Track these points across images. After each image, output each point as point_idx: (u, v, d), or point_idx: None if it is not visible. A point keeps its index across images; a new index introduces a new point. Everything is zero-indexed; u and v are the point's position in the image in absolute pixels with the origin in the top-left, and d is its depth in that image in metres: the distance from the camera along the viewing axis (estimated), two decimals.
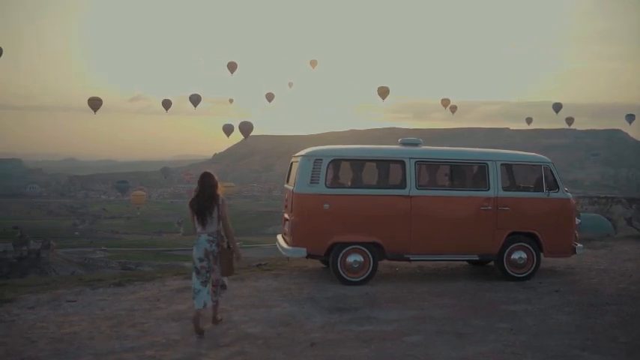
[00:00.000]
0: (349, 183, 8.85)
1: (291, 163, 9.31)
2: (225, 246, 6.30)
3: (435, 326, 6.50)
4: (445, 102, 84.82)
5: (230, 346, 5.76)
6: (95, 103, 66.26)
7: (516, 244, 8.84)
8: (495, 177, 8.79)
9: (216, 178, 6.34)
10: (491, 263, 9.21)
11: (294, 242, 8.52)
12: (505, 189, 8.89)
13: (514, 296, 7.94)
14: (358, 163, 8.87)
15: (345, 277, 8.45)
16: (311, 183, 8.45)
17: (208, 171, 6.48)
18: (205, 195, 6.24)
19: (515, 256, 8.83)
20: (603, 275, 9.26)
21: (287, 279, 8.87)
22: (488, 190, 8.77)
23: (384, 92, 68.92)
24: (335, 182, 8.69)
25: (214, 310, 6.45)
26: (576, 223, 9.26)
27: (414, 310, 7.17)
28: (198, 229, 6.23)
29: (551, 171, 9.00)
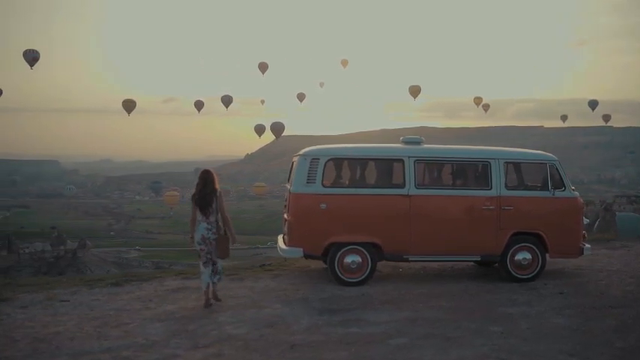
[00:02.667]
0: (347, 182, 8.71)
1: (292, 163, 9.22)
2: (222, 233, 7.25)
3: (424, 329, 6.34)
4: (477, 100, 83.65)
5: (208, 347, 5.70)
6: (129, 105, 67.26)
7: (520, 245, 8.58)
8: (498, 176, 8.54)
9: (214, 174, 7.28)
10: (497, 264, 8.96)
11: (290, 242, 8.44)
12: (508, 188, 8.63)
13: (514, 298, 7.70)
14: (356, 162, 8.73)
15: (342, 277, 8.32)
16: (307, 183, 8.34)
17: (208, 169, 7.46)
18: (207, 189, 7.17)
19: (520, 256, 8.57)
20: (613, 277, 8.92)
21: (286, 279, 8.78)
22: (491, 189, 8.53)
23: (415, 91, 68.33)
24: (332, 182, 8.56)
25: (212, 290, 7.29)
26: (584, 222, 8.94)
27: (406, 312, 7.01)
28: (199, 218, 7.17)
29: (557, 169, 8.71)
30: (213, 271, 7.22)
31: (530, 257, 8.58)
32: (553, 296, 7.76)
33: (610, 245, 12.27)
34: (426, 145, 8.94)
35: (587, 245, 8.92)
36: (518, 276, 8.57)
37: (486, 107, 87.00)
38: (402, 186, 8.42)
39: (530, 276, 8.58)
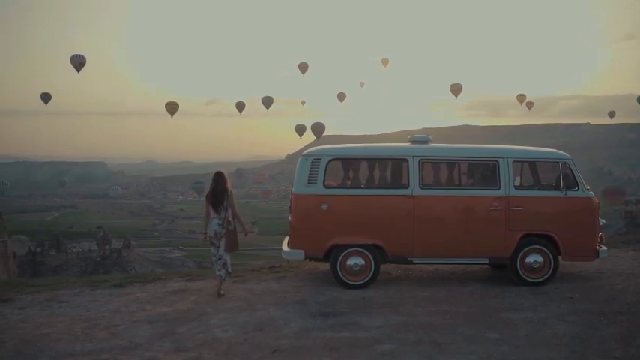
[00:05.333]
0: (349, 183, 8.55)
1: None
2: (231, 228, 7.94)
3: (416, 334, 6.13)
4: (521, 98, 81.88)
5: (190, 350, 5.65)
6: (172, 107, 68.40)
7: (531, 247, 8.26)
8: (506, 175, 8.24)
9: (226, 176, 8.07)
10: None
11: (292, 244, 8.34)
12: (518, 188, 8.33)
13: (520, 303, 7.40)
14: (358, 163, 8.56)
15: (345, 280, 8.18)
16: (309, 183, 8.23)
17: (220, 170, 8.18)
18: (218, 189, 7.93)
19: (531, 259, 8.24)
20: (631, 281, 8.48)
21: (289, 281, 8.68)
22: (499, 189, 8.24)
23: (456, 89, 67.41)
24: (334, 182, 8.42)
25: (217, 284, 7.92)
26: (600, 224, 8.54)
27: (403, 316, 6.81)
28: (212, 215, 7.91)
29: (569, 168, 8.35)
30: (220, 266, 7.88)
31: (542, 260, 8.25)
32: (561, 301, 7.43)
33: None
34: (432, 145, 8.70)
35: (604, 247, 8.51)
36: (529, 279, 8.25)
37: (530, 105, 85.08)
38: (406, 186, 8.21)
39: (541, 279, 8.25)
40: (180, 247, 78.28)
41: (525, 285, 8.19)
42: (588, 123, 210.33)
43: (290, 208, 8.77)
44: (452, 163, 8.63)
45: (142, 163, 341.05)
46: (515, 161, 8.36)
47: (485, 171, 8.50)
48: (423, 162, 8.28)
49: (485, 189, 8.36)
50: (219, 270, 7.92)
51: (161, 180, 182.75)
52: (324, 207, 8.15)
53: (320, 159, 8.28)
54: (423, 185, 8.22)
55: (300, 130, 73.78)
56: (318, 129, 71.41)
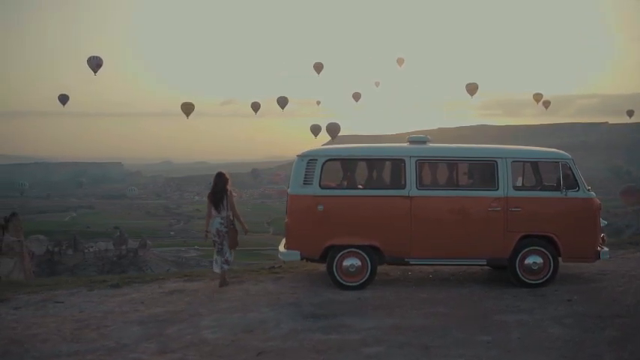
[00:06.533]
0: (345, 183, 8.48)
1: None
2: (232, 227, 8.38)
3: (406, 337, 6.05)
4: (537, 97, 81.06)
5: (175, 352, 5.63)
6: (188, 108, 68.73)
7: (530, 248, 8.12)
8: (505, 175, 8.12)
9: (227, 176, 8.49)
10: None
11: (288, 245, 8.29)
12: (516, 188, 8.20)
13: (517, 305, 7.28)
14: (355, 163, 8.49)
15: (341, 281, 8.11)
16: (304, 184, 8.18)
17: (221, 171, 8.60)
18: (217, 188, 8.38)
19: (530, 260, 8.11)
20: (633, 283, 8.31)
21: (286, 282, 8.63)
22: (497, 189, 8.12)
23: (472, 89, 66.94)
24: (330, 183, 8.36)
25: (222, 275, 8.41)
26: (601, 225, 8.38)
27: (396, 319, 6.72)
28: (214, 214, 8.38)
29: (570, 168, 8.21)
30: (224, 260, 8.33)
31: (542, 261, 8.12)
32: (559, 303, 7.29)
33: None
34: (430, 145, 8.60)
35: (605, 249, 8.35)
36: (529, 281, 8.12)
37: (547, 104, 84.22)
38: (403, 187, 8.12)
39: (541, 281, 8.11)
40: (196, 247, 78.52)
41: (525, 287, 8.06)
42: (607, 122, 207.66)
43: (286, 208, 8.74)
44: (450, 163, 8.52)
45: (159, 164, 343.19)
46: (514, 161, 8.24)
47: (483, 171, 8.39)
48: (420, 162, 8.19)
49: (484, 189, 8.25)
50: (220, 266, 8.34)
51: (177, 180, 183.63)
52: (320, 208, 8.09)
53: (316, 159, 8.22)
54: (420, 186, 8.13)
55: (315, 130, 73.77)
56: (333, 129, 71.33)
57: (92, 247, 69.73)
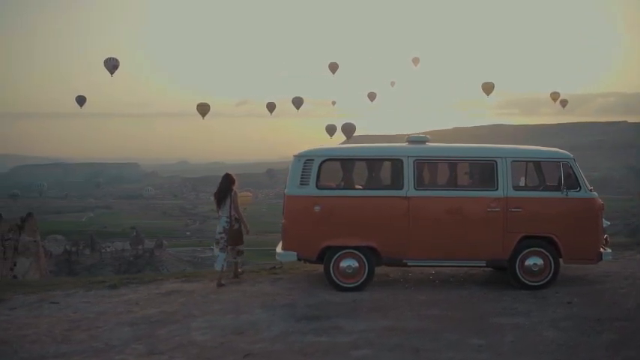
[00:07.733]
0: (342, 184, 8.40)
1: None
2: (235, 225, 8.68)
3: (397, 340, 5.95)
4: (554, 96, 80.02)
5: (163, 354, 5.59)
6: (203, 109, 68.93)
7: (531, 249, 7.98)
8: (505, 175, 7.99)
9: (233, 177, 8.82)
10: None
11: (284, 246, 8.23)
12: (516, 188, 8.07)
13: (515, 307, 7.15)
14: (352, 163, 8.41)
15: (338, 282, 8.04)
16: (301, 184, 8.12)
17: (228, 172, 8.94)
18: (222, 188, 8.75)
19: (530, 262, 7.97)
20: (636, 285, 8.13)
21: (284, 284, 8.57)
22: (497, 189, 7.99)
23: (488, 88, 66.31)
24: (327, 183, 8.28)
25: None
26: (604, 225, 8.21)
27: (390, 321, 6.63)
28: (220, 213, 8.74)
29: (571, 167, 8.05)
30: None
31: (542, 263, 7.97)
32: (558, 306, 7.15)
33: None
34: (428, 144, 8.50)
35: (608, 250, 8.19)
36: (529, 283, 7.97)
37: (564, 103, 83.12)
38: (401, 187, 8.03)
39: (541, 283, 7.97)
40: (212, 247, 78.78)
41: (525, 289, 7.92)
42: (625, 121, 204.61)
43: (283, 209, 8.69)
44: (448, 163, 8.40)
45: (175, 164, 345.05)
46: (514, 161, 8.11)
47: (482, 171, 8.27)
48: (418, 162, 8.09)
49: (483, 189, 8.13)
50: (221, 265, 8.56)
51: (193, 180, 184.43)
52: (317, 208, 8.03)
53: (313, 159, 8.15)
54: (418, 186, 8.03)
55: (330, 130, 73.64)
56: (348, 129, 71.15)
57: (109, 247, 70.40)
